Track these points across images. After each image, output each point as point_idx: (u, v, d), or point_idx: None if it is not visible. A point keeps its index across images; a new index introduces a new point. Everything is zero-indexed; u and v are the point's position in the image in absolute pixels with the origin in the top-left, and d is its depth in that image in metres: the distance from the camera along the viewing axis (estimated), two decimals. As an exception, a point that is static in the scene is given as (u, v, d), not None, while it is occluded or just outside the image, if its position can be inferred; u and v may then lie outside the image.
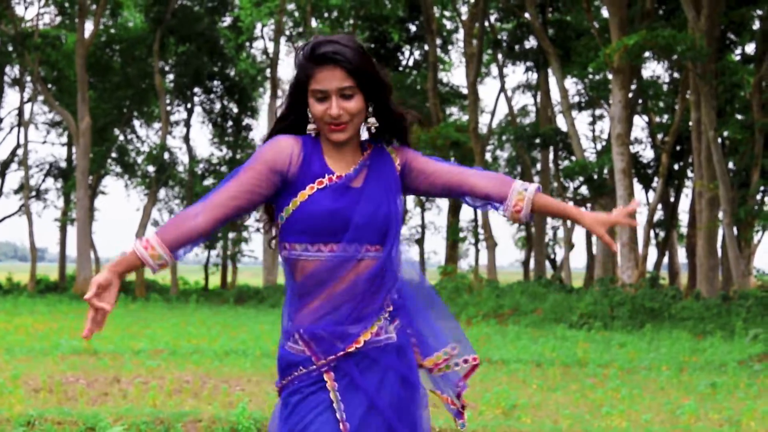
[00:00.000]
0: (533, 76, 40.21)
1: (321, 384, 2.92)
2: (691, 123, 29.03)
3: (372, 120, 3.05)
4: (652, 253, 43.21)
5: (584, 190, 32.68)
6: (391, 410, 2.96)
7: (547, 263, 42.90)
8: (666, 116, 37.54)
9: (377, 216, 2.97)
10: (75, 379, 9.84)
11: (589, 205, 35.21)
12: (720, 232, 24.94)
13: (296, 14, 37.85)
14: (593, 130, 43.19)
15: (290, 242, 2.96)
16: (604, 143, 40.28)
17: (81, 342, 13.43)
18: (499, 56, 37.00)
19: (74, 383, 9.50)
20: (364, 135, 3.14)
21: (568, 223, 36.80)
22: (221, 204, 2.93)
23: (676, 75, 35.61)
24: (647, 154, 37.40)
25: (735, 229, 23.49)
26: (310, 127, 3.04)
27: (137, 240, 2.94)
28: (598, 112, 42.35)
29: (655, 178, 33.72)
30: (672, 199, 35.53)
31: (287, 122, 3.09)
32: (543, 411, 8.65)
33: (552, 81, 34.65)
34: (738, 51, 33.23)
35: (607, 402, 9.06)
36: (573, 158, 30.92)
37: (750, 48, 33.13)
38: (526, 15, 33.68)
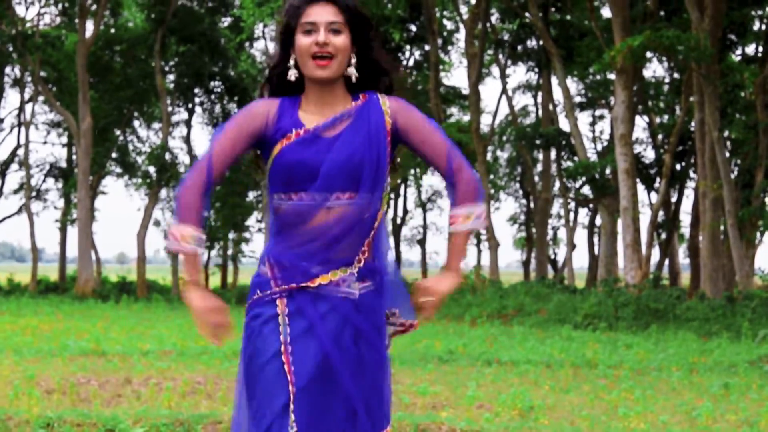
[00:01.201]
0: (534, 77, 40.24)
1: (274, 305, 3.06)
2: (694, 123, 29.05)
3: (351, 69, 3.14)
4: (655, 254, 43.19)
5: (587, 190, 32.67)
6: (336, 349, 3.02)
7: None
8: (666, 117, 37.56)
9: (350, 163, 3.05)
10: (86, 380, 9.81)
11: (591, 205, 35.25)
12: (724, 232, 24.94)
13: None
14: (593, 131, 43.20)
15: (270, 192, 3.17)
16: (604, 144, 40.32)
17: (89, 343, 13.40)
18: (501, 57, 36.96)
19: (86, 384, 9.47)
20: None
21: (570, 223, 36.84)
22: (213, 167, 3.16)
23: (676, 75, 35.64)
24: (648, 154, 37.39)
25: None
26: (291, 72, 3.15)
27: (167, 241, 3.18)
28: (598, 112, 42.38)
29: (657, 179, 33.71)
30: (674, 200, 35.53)
31: (278, 70, 3.22)
32: (558, 412, 8.62)
33: (554, 81, 34.65)
34: (738, 52, 33.24)
35: (621, 403, 9.03)
36: (576, 159, 30.89)
37: (750, 49, 33.17)
38: (527, 15, 33.72)
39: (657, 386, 10.69)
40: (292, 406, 2.98)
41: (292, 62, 3.16)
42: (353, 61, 3.15)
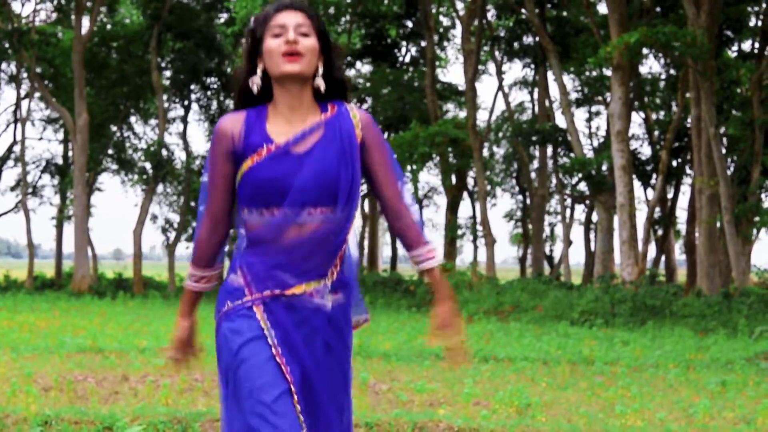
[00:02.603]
0: (530, 73, 40.24)
1: (251, 314, 3.06)
2: (690, 120, 29.07)
3: (319, 80, 3.17)
4: (651, 251, 43.23)
5: (583, 186, 32.68)
6: (311, 361, 3.05)
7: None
8: (663, 113, 37.58)
9: (323, 179, 3.05)
10: (83, 377, 9.79)
11: (587, 202, 35.25)
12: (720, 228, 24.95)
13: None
14: (589, 127, 43.19)
15: (240, 205, 3.14)
16: (600, 140, 40.34)
17: (86, 340, 13.39)
18: (497, 53, 36.96)
19: (83, 382, 9.46)
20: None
21: (567, 219, 36.84)
22: (213, 210, 3.18)
23: (672, 72, 35.66)
24: (645, 150, 37.42)
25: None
26: (255, 79, 3.16)
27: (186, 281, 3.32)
28: (594, 108, 42.38)
29: (654, 175, 33.74)
30: (670, 196, 35.55)
31: (246, 83, 3.20)
32: (555, 410, 8.63)
33: (550, 77, 34.64)
34: (734, 48, 33.28)
35: (618, 400, 9.04)
36: (572, 155, 30.90)
37: (746, 45, 33.22)
38: (523, 11, 33.70)
39: (654, 383, 10.71)
40: (294, 391, 3.02)
41: (259, 71, 3.16)
42: (320, 71, 3.17)
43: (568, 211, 39.15)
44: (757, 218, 23.60)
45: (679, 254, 42.52)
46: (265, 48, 3.12)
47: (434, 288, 3.22)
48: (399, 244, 46.84)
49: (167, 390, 8.29)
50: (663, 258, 37.47)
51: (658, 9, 29.95)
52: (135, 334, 15.29)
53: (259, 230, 3.08)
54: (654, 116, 37.81)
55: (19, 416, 6.66)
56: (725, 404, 9.03)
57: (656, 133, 36.62)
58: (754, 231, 24.54)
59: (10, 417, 6.65)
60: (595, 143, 41.28)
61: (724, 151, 24.66)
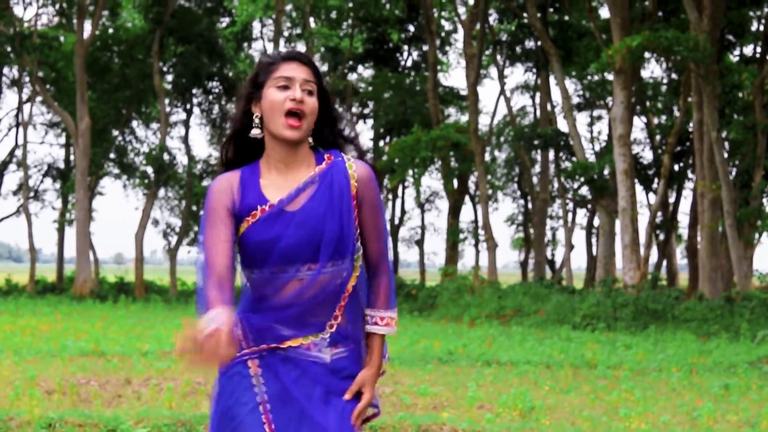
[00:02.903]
0: (532, 77, 40.23)
1: (245, 369, 3.02)
2: (692, 124, 29.04)
3: (309, 140, 3.12)
4: (653, 255, 43.20)
5: (585, 191, 32.66)
6: (312, 406, 3.00)
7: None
8: (664, 117, 37.55)
9: (311, 235, 3.00)
10: (86, 380, 9.80)
11: (589, 206, 35.24)
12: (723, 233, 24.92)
13: (294, 15, 37.86)
14: (591, 131, 43.15)
15: (241, 263, 3.07)
16: (602, 144, 40.29)
17: (88, 343, 13.39)
18: (499, 57, 36.96)
19: (86, 385, 9.46)
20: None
21: (569, 223, 36.84)
22: (217, 271, 2.96)
23: (673, 76, 35.65)
24: (646, 155, 37.39)
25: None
26: (255, 131, 3.08)
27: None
28: (596, 113, 42.35)
29: (655, 179, 33.71)
30: (671, 201, 35.51)
31: (240, 126, 3.13)
32: (558, 413, 8.62)
33: (552, 82, 34.63)
34: (736, 52, 33.27)
35: (622, 404, 9.04)
36: (574, 159, 30.88)
37: (748, 50, 33.19)
38: (525, 16, 33.70)
39: (657, 387, 10.71)
40: None
41: (255, 119, 3.09)
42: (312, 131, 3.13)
43: (569, 216, 39.15)
44: (759, 222, 23.55)
45: (680, 258, 42.47)
46: (268, 98, 3.04)
47: (369, 352, 3.13)
48: (398, 246, 46.54)
49: (171, 393, 8.29)
50: (664, 262, 37.40)
51: (659, 13, 29.95)
52: (137, 338, 15.29)
53: (258, 287, 3.05)
54: (656, 120, 37.78)
55: (23, 419, 6.66)
56: (729, 408, 9.03)
57: (658, 137, 36.59)
58: (756, 235, 24.46)
59: (14, 420, 6.65)
60: (597, 147, 41.24)
61: (725, 155, 24.62)
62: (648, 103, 36.58)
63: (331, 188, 3.06)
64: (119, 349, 13.05)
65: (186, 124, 38.34)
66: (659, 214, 32.78)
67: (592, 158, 34.05)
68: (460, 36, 40.98)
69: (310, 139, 3.13)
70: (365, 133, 42.14)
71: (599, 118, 42.48)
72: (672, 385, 10.80)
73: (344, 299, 3.08)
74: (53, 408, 7.54)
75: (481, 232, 35.21)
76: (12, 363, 11.13)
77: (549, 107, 35.74)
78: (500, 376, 11.28)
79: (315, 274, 3.00)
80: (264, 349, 3.03)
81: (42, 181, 40.12)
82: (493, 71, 42.30)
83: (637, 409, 8.41)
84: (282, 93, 3.02)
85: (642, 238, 25.80)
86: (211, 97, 38.66)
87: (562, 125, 34.31)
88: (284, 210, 3.03)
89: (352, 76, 39.90)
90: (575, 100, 39.53)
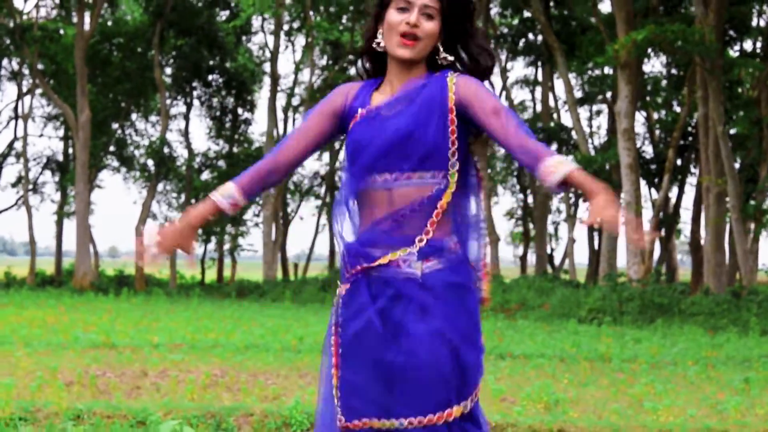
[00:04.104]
0: (532, 71, 40.20)
1: (338, 298, 3.16)
2: (696, 118, 29.00)
3: (444, 54, 3.16)
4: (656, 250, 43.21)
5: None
6: (379, 322, 3.01)
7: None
8: (664, 112, 37.53)
9: (402, 143, 3.03)
10: (102, 372, 9.71)
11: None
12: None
13: (292, 9, 37.71)
14: (591, 126, 43.09)
15: (346, 173, 3.20)
16: (602, 139, 40.28)
17: (98, 335, 13.30)
18: (501, 51, 36.87)
19: (102, 377, 9.38)
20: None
21: (571, 217, 36.75)
22: (289, 146, 3.23)
23: (673, 71, 35.62)
24: (648, 149, 37.35)
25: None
26: (377, 40, 3.17)
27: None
28: (595, 107, 42.29)
29: (657, 174, 33.67)
30: (672, 195, 35.50)
31: (370, 42, 3.22)
32: (582, 406, 8.55)
33: (555, 76, 34.57)
34: (736, 47, 33.23)
35: (645, 397, 8.97)
36: (577, 153, 30.79)
37: (748, 44, 33.18)
38: (526, 12, 33.64)
39: (675, 380, 10.64)
40: (334, 379, 3.08)
41: (379, 38, 3.17)
42: (441, 50, 3.17)
43: (571, 210, 39.09)
44: (766, 216, 23.51)
45: (679, 253, 42.47)
46: (387, 19, 3.12)
47: (583, 188, 2.85)
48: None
49: (192, 385, 8.21)
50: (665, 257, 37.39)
51: (661, 7, 29.89)
52: (146, 330, 15.21)
53: (355, 199, 3.17)
54: (656, 115, 37.75)
55: (50, 410, 6.58)
56: (752, 401, 8.96)
57: (658, 131, 36.56)
58: (762, 229, 24.44)
59: (41, 411, 6.57)
60: (597, 142, 41.19)
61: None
62: (650, 98, 36.54)
63: (429, 98, 3.09)
64: (129, 341, 12.97)
65: (186, 117, 38.26)
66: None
67: (591, 152, 33.99)
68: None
69: (447, 58, 3.17)
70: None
71: (599, 112, 42.44)
72: (690, 379, 10.74)
73: (437, 215, 3.06)
74: (73, 399, 7.46)
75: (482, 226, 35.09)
76: (24, 354, 11.03)
77: (552, 101, 35.68)
78: (516, 369, 11.21)
79: (400, 184, 3.04)
80: (357, 271, 3.07)
81: (41, 174, 40.02)
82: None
83: (663, 402, 8.35)
84: (400, 15, 3.10)
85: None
86: (211, 90, 38.55)
87: (563, 119, 34.29)
88: (380, 114, 3.11)
89: (353, 70, 39.77)
90: (576, 94, 39.45)
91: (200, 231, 38.91)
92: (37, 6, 35.25)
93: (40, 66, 34.64)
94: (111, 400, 7.54)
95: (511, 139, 2.99)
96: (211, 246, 41.73)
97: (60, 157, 39.75)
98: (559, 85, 38.28)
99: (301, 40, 42.38)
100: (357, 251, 3.09)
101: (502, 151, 45.20)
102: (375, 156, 3.05)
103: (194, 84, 37.62)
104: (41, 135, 40.80)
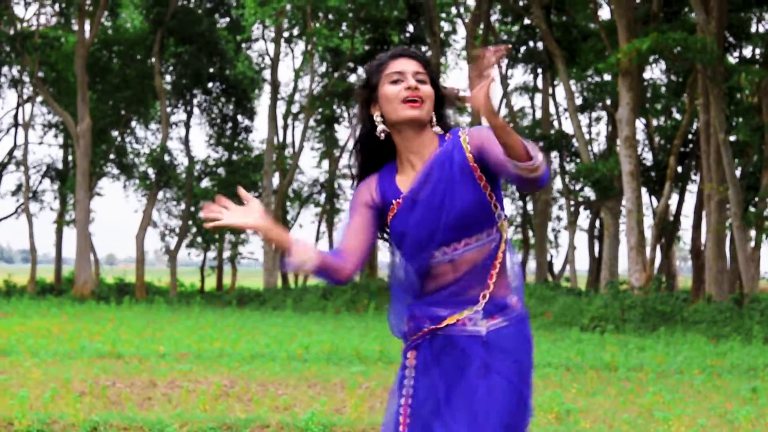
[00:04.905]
0: (531, 79, 40.23)
1: (404, 361, 3.19)
2: (696, 125, 29.04)
3: (437, 128, 3.20)
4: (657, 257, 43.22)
5: (588, 191, 32.62)
6: (443, 383, 3.08)
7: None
8: (663, 119, 37.57)
9: (447, 217, 3.07)
10: (111, 382, 9.73)
11: (592, 207, 35.20)
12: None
13: (290, 16, 37.71)
14: (590, 133, 43.11)
15: (392, 257, 3.26)
16: (601, 146, 40.31)
17: (104, 345, 13.31)
18: (501, 59, 36.85)
19: (112, 387, 9.39)
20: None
21: (573, 225, 36.71)
22: (353, 249, 3.19)
23: (673, 78, 35.66)
24: (647, 156, 37.38)
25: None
26: (380, 128, 3.17)
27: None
28: (595, 114, 42.32)
29: (657, 181, 33.68)
30: (672, 202, 35.53)
31: (364, 131, 3.24)
32: (592, 416, 8.58)
33: (555, 83, 34.60)
34: (735, 54, 33.28)
35: (655, 407, 9.00)
36: (577, 161, 30.85)
37: (747, 51, 33.21)
38: (526, 19, 33.68)
39: (681, 389, 10.66)
40: None
41: (378, 118, 3.18)
42: (432, 116, 3.21)
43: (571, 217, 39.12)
44: (767, 224, 23.50)
45: (678, 261, 42.49)
46: (383, 94, 3.15)
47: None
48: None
49: (204, 396, 8.23)
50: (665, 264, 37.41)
51: (663, 13, 29.93)
52: (150, 340, 15.21)
53: (410, 275, 3.16)
54: (654, 122, 37.80)
55: (67, 422, 6.59)
56: (761, 411, 8.99)
57: (657, 138, 36.60)
58: (763, 237, 24.41)
59: (57, 423, 6.58)
60: (596, 149, 41.23)
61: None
62: (648, 105, 36.58)
63: (450, 167, 3.11)
64: (135, 351, 12.99)
65: (186, 124, 38.25)
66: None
67: (591, 160, 34.03)
68: (458, 37, 40.92)
69: (438, 128, 3.20)
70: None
71: (598, 119, 42.48)
72: (697, 388, 10.76)
73: (494, 268, 3.14)
74: (86, 410, 7.47)
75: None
76: (32, 364, 11.04)
77: (553, 108, 35.70)
78: (523, 378, 11.21)
79: (461, 252, 3.08)
80: (423, 334, 3.12)
81: (41, 182, 39.99)
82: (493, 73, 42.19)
83: (674, 411, 8.37)
84: (396, 86, 3.13)
85: (648, 239, 25.75)
86: (211, 98, 38.57)
87: (563, 127, 34.30)
88: (416, 200, 3.13)
89: (353, 78, 39.81)
90: (576, 101, 39.47)
91: (200, 239, 38.57)
92: (37, 14, 35.27)
93: (40, 74, 34.64)
94: (123, 411, 7.56)
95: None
96: (211, 254, 41.74)
97: (60, 165, 39.71)
98: (559, 92, 38.32)
99: (300, 47, 42.44)
100: (424, 313, 3.14)
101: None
102: (427, 240, 3.09)
103: (194, 91, 37.63)
104: (41, 143, 40.77)
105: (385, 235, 3.27)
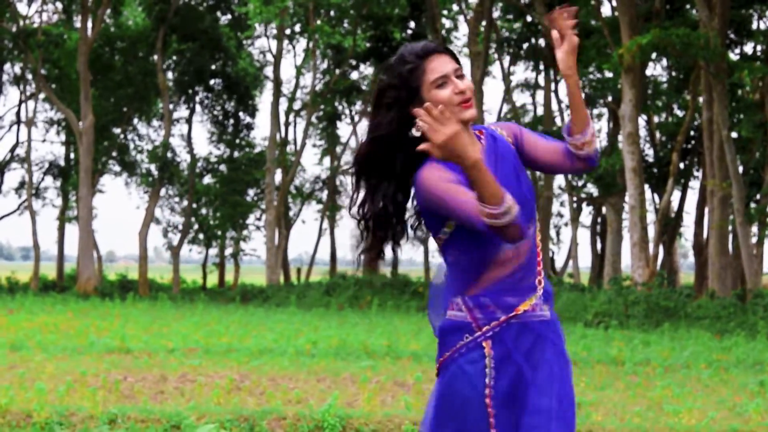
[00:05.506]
0: (534, 75, 40.30)
1: (480, 352, 3.09)
2: (698, 122, 29.09)
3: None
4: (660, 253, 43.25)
5: (591, 188, 32.69)
6: (528, 368, 3.10)
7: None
8: (664, 115, 37.63)
9: (524, 202, 3.08)
10: (123, 377, 9.78)
11: (595, 203, 35.27)
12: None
13: (293, 13, 37.75)
14: (592, 129, 43.08)
15: (454, 246, 3.15)
16: (603, 143, 40.35)
17: (112, 340, 13.37)
18: (504, 55, 36.97)
19: (124, 381, 9.45)
20: None
21: (575, 221, 36.80)
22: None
23: (673, 74, 35.72)
24: (649, 153, 37.44)
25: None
26: (414, 130, 3.09)
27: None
28: (596, 111, 42.35)
29: (659, 177, 33.74)
30: (674, 198, 35.60)
31: (389, 131, 3.15)
32: (602, 409, 8.63)
33: (557, 79, 34.65)
34: (737, 50, 33.34)
35: (664, 400, 9.05)
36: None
37: (748, 47, 33.27)
38: (528, 16, 33.72)
39: (689, 383, 10.72)
40: None
41: (416, 126, 3.07)
42: None
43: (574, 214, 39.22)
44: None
45: (680, 256, 42.55)
46: (433, 99, 3.08)
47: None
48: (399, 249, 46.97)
49: (217, 390, 8.28)
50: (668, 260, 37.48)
51: (666, 8, 29.97)
52: (158, 335, 15.26)
53: (477, 263, 3.13)
54: (656, 119, 37.85)
55: (84, 414, 6.64)
56: (769, 404, 9.04)
57: (658, 135, 36.66)
58: (766, 232, 24.48)
59: (76, 415, 6.64)
60: (598, 145, 41.23)
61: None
62: (650, 101, 36.63)
63: (504, 154, 3.21)
64: (144, 346, 13.03)
65: (189, 121, 38.31)
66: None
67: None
68: (460, 34, 40.92)
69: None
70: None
71: (600, 116, 42.52)
72: (704, 382, 10.82)
73: (539, 255, 3.23)
74: (101, 404, 7.52)
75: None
76: (44, 359, 11.10)
77: (555, 105, 35.76)
78: (532, 372, 11.27)
79: (526, 239, 3.11)
80: (499, 323, 3.10)
81: (43, 179, 40.03)
82: (493, 69, 42.33)
83: (684, 404, 8.43)
84: (444, 90, 3.12)
85: (650, 235, 25.82)
86: (213, 95, 38.62)
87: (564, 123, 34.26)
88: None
89: (355, 74, 39.88)
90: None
91: (201, 236, 38.67)
92: (40, 11, 35.32)
93: (43, 71, 34.67)
94: (138, 404, 7.61)
95: (554, 144, 3.34)
96: (213, 251, 41.81)
97: (62, 162, 39.75)
98: (561, 88, 38.34)
99: (302, 44, 42.47)
100: (494, 302, 3.10)
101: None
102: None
103: (197, 88, 37.69)
104: (44, 140, 40.82)
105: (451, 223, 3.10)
